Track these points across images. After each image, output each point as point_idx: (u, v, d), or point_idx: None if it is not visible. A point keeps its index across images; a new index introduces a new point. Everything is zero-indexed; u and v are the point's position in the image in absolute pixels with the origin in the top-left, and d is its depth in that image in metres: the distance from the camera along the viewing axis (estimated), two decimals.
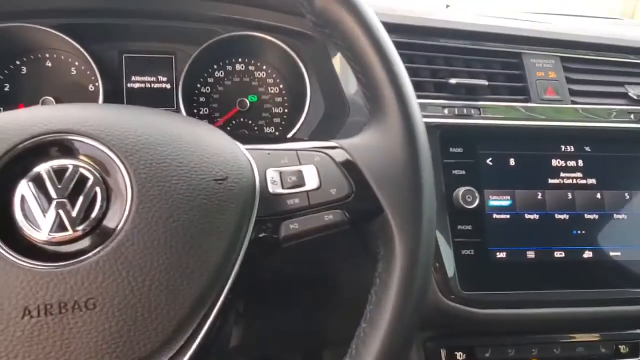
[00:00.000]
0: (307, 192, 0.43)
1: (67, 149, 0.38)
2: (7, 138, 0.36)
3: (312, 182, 0.43)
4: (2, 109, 0.80)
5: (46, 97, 0.80)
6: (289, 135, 0.80)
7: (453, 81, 0.74)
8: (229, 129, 0.88)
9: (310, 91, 0.80)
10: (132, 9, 0.78)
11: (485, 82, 0.75)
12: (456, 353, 0.72)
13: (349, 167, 0.44)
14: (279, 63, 0.87)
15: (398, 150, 0.43)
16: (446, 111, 0.72)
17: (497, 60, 0.79)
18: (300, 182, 0.43)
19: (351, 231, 0.45)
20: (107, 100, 0.79)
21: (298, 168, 0.44)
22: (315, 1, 0.44)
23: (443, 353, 0.72)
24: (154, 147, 0.38)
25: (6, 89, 0.81)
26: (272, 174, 0.43)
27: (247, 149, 0.45)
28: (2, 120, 0.38)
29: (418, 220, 0.41)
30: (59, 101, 0.81)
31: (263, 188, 0.43)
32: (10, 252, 0.34)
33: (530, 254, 0.69)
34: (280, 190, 0.43)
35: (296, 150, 0.46)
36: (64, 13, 0.76)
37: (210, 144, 0.42)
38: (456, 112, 0.73)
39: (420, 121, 0.44)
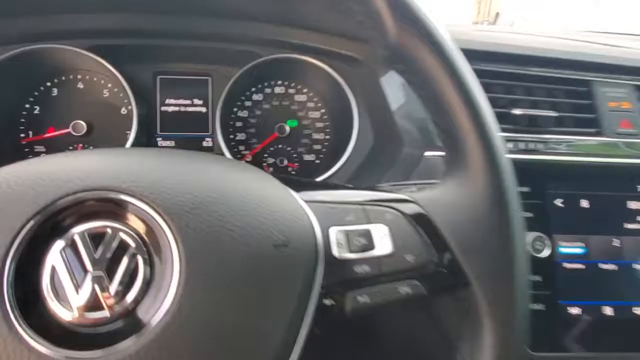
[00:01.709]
0: (378, 257, 0.36)
1: (106, 209, 0.32)
2: (36, 196, 0.31)
3: (383, 244, 0.37)
4: (30, 132, 0.76)
5: (77, 121, 0.76)
6: (335, 167, 0.73)
7: (517, 111, 0.67)
8: (266, 155, 0.83)
9: (357, 119, 0.74)
10: (168, 30, 0.74)
11: (553, 113, 0.67)
12: None
13: (427, 228, 0.38)
14: (321, 86, 0.82)
15: (486, 211, 0.36)
16: (510, 145, 0.65)
17: (563, 88, 0.72)
18: (370, 244, 0.37)
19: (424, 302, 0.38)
20: (140, 123, 0.75)
21: (366, 227, 0.38)
22: (389, 34, 0.38)
23: None
24: (204, 207, 0.33)
25: (36, 112, 0.77)
26: (336, 234, 0.37)
27: (306, 201, 0.39)
28: (31, 173, 0.33)
29: (512, 300, 0.34)
30: (90, 124, 0.77)
31: (326, 250, 0.36)
32: (32, 335, 0.28)
33: (607, 310, 0.61)
34: (346, 254, 0.37)
35: (362, 203, 0.39)
36: (96, 33, 0.72)
37: (265, 196, 0.37)
38: (520, 146, 0.66)
39: (511, 178, 0.37)
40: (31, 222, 0.30)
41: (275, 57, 0.74)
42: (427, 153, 0.66)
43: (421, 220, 0.38)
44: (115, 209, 0.32)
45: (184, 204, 0.32)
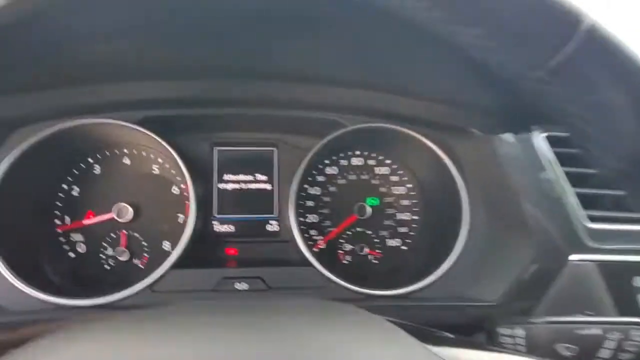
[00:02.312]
0: None
1: None
2: None
3: None
4: (67, 218, 0.64)
5: (122, 204, 0.63)
6: (444, 267, 0.57)
7: None
8: (342, 241, 0.68)
9: (467, 202, 0.59)
10: (231, 97, 0.61)
11: None
12: None
13: None
14: (408, 157, 0.68)
15: None
16: None
17: None
18: None
19: None
20: (199, 206, 0.61)
21: None
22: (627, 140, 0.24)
23: None
24: None
25: (74, 193, 0.64)
26: None
27: None
28: None
29: None
30: (136, 208, 0.64)
31: None
32: None
33: None
34: None
35: None
36: (147, 104, 0.60)
37: None
38: None
39: None
40: None
41: (370, 126, 0.61)
42: (573, 257, 0.50)
43: None
44: None
45: None
